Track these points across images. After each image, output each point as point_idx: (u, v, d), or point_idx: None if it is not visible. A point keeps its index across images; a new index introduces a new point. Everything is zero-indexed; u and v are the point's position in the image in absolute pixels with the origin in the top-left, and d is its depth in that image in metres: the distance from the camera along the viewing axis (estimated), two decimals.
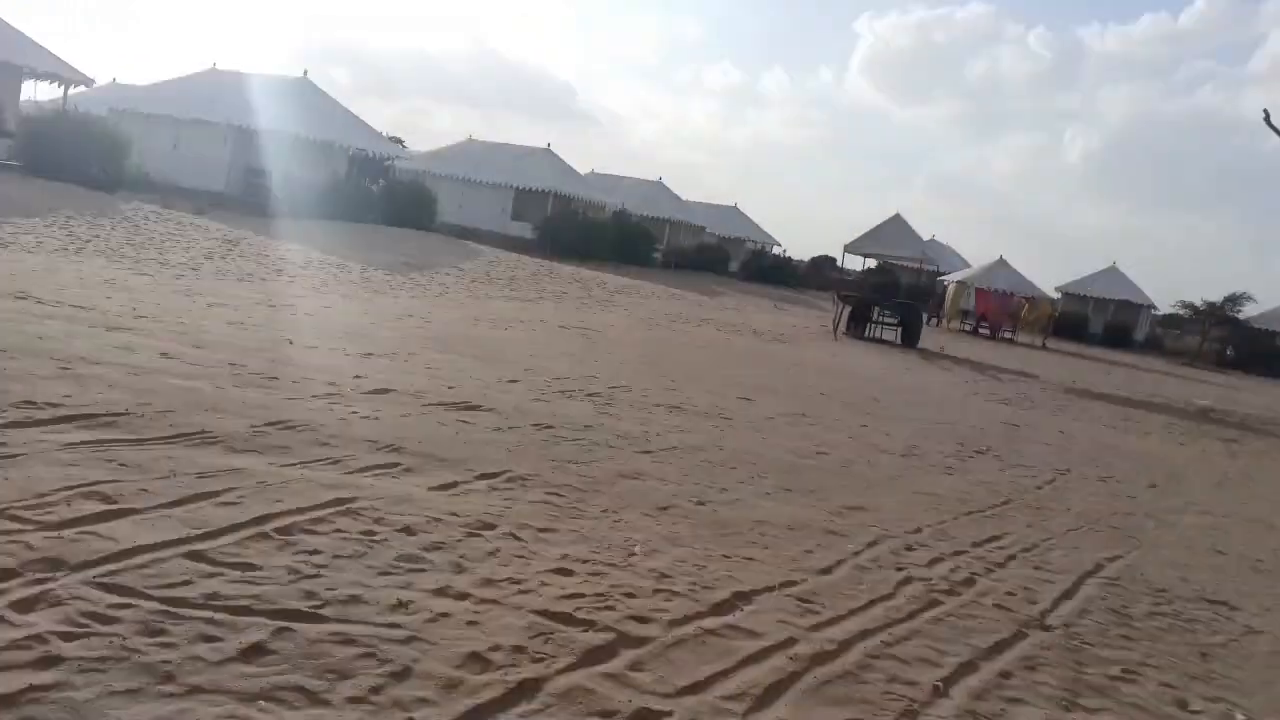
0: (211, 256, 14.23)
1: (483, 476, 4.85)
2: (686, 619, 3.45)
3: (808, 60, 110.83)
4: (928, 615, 3.97)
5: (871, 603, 4.01)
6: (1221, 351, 42.45)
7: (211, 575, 3.15)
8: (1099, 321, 44.94)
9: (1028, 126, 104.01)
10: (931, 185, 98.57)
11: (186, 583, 3.06)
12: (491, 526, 4.10)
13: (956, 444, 8.81)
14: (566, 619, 3.26)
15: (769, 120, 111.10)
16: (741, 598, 3.79)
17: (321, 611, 3.01)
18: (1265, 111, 19.04)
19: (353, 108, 33.04)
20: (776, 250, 54.20)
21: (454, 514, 4.17)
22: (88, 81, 23.47)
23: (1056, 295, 44.77)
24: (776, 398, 9.78)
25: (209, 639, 2.73)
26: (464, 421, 5.99)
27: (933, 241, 54.26)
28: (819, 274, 50.19)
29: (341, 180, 28.61)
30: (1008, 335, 32.98)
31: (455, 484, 4.65)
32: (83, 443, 4.28)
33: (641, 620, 3.36)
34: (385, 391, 6.46)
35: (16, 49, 21.92)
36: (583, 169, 47.00)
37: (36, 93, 23.49)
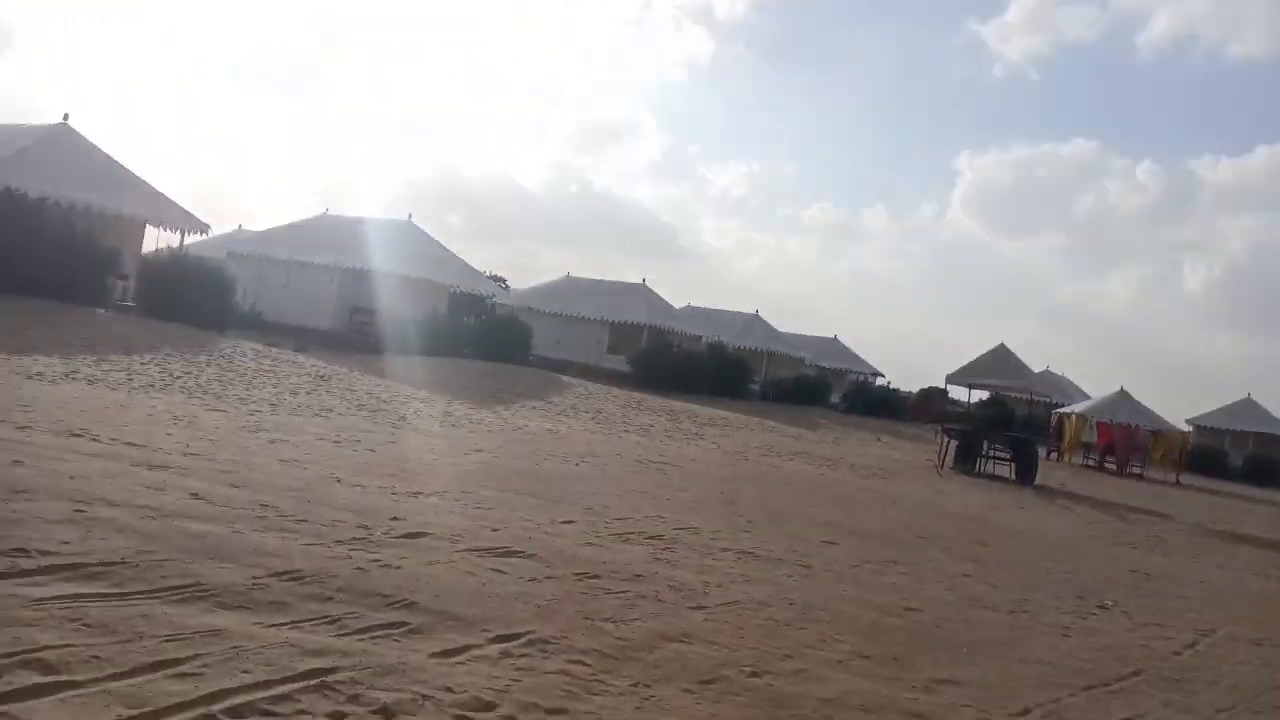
0: (297, 392, 14.33)
1: (499, 639, 4.21)
2: None
3: (907, 197, 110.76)
4: None
5: None
6: None
7: None
8: (1238, 456, 41.61)
9: (1141, 259, 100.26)
10: (1043, 317, 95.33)
11: None
12: (489, 707, 3.44)
13: (1076, 597, 7.68)
14: None
15: (870, 253, 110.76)
16: None
17: None
18: None
19: (465, 250, 34.37)
20: (880, 381, 52.91)
21: (449, 689, 3.53)
22: (204, 228, 24.93)
23: (1187, 428, 41.86)
24: (866, 542, 8.86)
25: None
26: (497, 570, 5.39)
27: (1047, 373, 51.93)
28: (928, 405, 48.43)
29: (440, 317, 29.30)
30: (1136, 470, 30.65)
31: (464, 649, 4.02)
32: (56, 597, 3.86)
33: None
34: (419, 535, 5.94)
35: (141, 199, 23.54)
36: (685, 304, 47.46)
37: (159, 240, 25.06)
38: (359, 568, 4.98)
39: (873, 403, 46.38)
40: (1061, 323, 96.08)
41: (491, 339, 30.01)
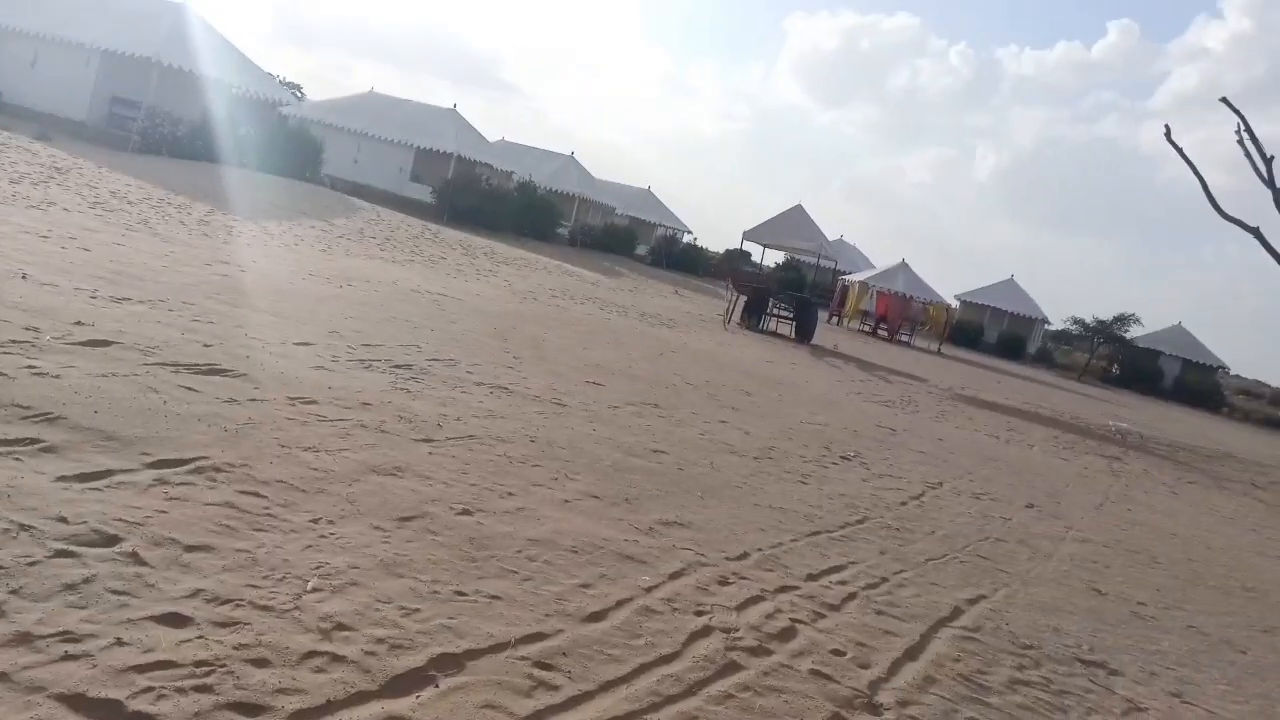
0: (19, 181, 12.36)
1: (158, 465, 3.58)
2: (329, 706, 2.29)
3: (738, 55, 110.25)
4: (712, 690, 2.91)
5: (641, 669, 2.93)
6: (1107, 368, 43.52)
7: None
8: (994, 332, 45.60)
9: (941, 140, 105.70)
10: (846, 188, 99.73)
11: None
12: (111, 542, 2.85)
13: (822, 448, 7.88)
14: (107, 712, 2.06)
15: (695, 110, 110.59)
16: (445, 665, 2.64)
17: None
18: (1166, 127, 18.93)
19: (270, 55, 30.75)
20: (688, 238, 53.45)
21: (63, 519, 2.91)
22: None
23: (955, 303, 45.20)
24: (633, 384, 8.70)
25: None
26: (189, 389, 4.68)
27: (840, 241, 54.32)
28: (731, 265, 49.59)
29: (216, 119, 26.33)
30: (905, 338, 32.85)
31: (106, 474, 3.37)
32: None
33: (247, 711, 2.18)
34: (104, 344, 5.09)
35: None
36: (499, 138, 45.38)
37: None
38: (1, 373, 4.13)
39: (678, 257, 46.97)
40: (861, 195, 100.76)
41: (276, 151, 27.39)
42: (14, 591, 2.44)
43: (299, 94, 43.46)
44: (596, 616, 3.24)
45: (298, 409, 4.84)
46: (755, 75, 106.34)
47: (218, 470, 3.68)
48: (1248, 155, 17.80)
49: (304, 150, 28.60)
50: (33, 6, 28.21)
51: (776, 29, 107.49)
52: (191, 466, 3.64)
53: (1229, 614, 5.69)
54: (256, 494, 3.54)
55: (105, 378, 4.48)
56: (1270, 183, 17.65)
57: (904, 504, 6.46)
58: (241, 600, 2.70)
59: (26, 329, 4.99)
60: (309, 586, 2.87)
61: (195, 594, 2.67)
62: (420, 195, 33.95)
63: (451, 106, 37.87)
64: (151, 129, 25.60)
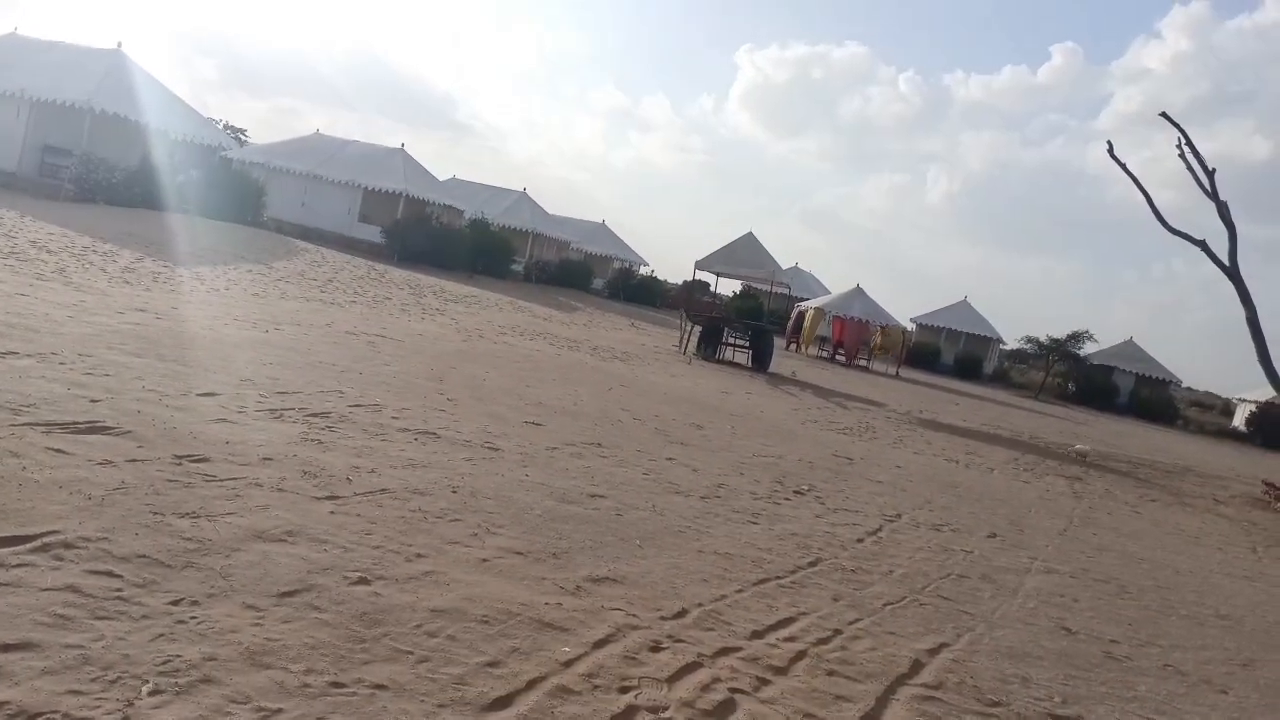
0: None
1: None
2: None
3: (690, 87, 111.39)
4: None
5: None
6: (1064, 385, 43.86)
7: None
8: (951, 353, 45.87)
9: (895, 167, 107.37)
10: (803, 216, 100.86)
11: None
12: None
13: (775, 482, 7.51)
14: None
15: (650, 144, 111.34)
16: None
17: None
18: (1109, 143, 19.06)
19: (220, 101, 30.22)
20: (645, 270, 53.30)
21: None
22: None
23: (910, 326, 45.43)
24: (576, 423, 8.28)
25: None
26: (59, 451, 4.18)
27: (796, 269, 54.60)
28: (690, 295, 49.48)
29: (153, 165, 25.65)
30: (862, 363, 32.80)
31: None
32: None
33: None
34: None
35: None
36: (450, 176, 45.00)
37: None
38: None
39: (634, 289, 46.79)
40: (818, 223, 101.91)
41: (217, 195, 26.74)
42: None
43: (243, 138, 42.88)
44: (501, 703, 2.81)
45: (184, 468, 4.36)
46: (708, 107, 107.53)
47: (68, 546, 3.20)
48: (1190, 169, 17.90)
49: (245, 193, 27.95)
50: None
51: (728, 62, 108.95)
52: (36, 544, 3.16)
53: (1205, 647, 5.37)
54: (110, 573, 3.07)
55: None
56: (1213, 195, 17.77)
57: (860, 541, 6.09)
58: (55, 712, 2.24)
59: None
60: (145, 689, 2.41)
61: (2, 706, 2.20)
62: (370, 236, 33.40)
63: (399, 146, 37.43)
64: (85, 176, 24.87)
